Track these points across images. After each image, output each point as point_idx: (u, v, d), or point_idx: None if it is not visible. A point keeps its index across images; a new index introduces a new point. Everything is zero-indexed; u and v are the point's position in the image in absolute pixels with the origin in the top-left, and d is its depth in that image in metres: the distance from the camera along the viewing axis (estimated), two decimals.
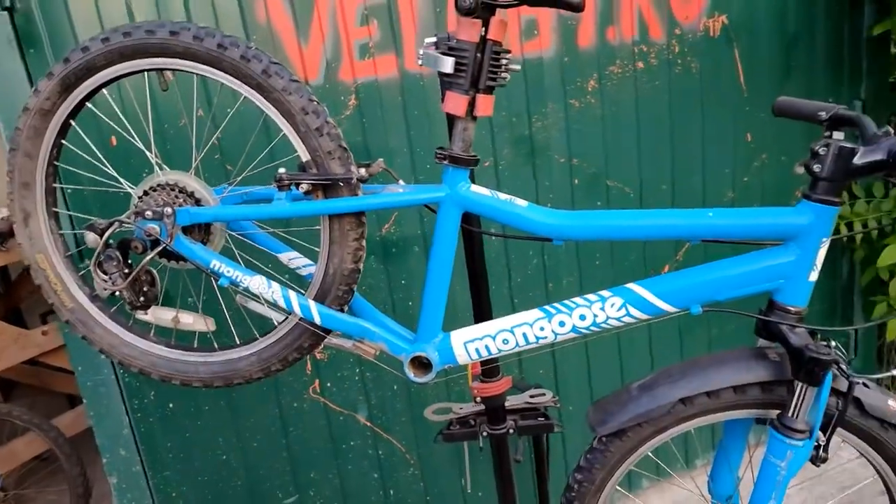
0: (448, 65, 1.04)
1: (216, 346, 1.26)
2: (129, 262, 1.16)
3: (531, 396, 1.65)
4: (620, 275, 2.36)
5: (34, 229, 1.23)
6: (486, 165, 2.13)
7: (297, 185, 1.09)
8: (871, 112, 2.57)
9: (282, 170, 1.10)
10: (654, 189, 2.36)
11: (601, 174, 2.30)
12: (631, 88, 2.26)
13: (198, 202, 1.15)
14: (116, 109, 1.32)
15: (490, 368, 1.55)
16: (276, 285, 1.15)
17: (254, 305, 1.23)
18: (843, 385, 1.08)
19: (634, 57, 2.24)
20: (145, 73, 1.14)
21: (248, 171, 1.29)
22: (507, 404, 1.60)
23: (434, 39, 1.20)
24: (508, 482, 1.64)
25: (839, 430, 1.10)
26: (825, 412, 1.07)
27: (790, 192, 2.54)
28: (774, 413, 1.11)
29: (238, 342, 1.25)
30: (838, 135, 1.07)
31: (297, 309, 1.14)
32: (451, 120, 1.16)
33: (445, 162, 1.11)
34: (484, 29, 1.05)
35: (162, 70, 1.13)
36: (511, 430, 1.59)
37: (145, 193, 1.16)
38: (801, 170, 1.18)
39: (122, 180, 1.21)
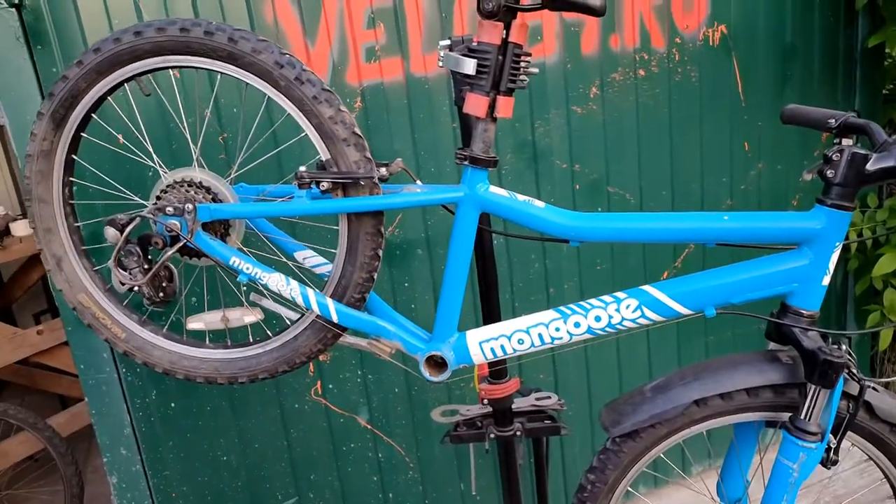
0: (470, 66, 1.05)
1: (229, 342, 1.26)
2: (149, 257, 1.16)
3: (537, 399, 1.66)
4: (621, 279, 2.38)
5: (69, 272, 1.23)
6: (490, 170, 2.14)
7: (318, 183, 1.10)
8: None
9: (303, 168, 1.11)
10: (654, 196, 2.39)
11: (602, 180, 2.32)
12: (632, 96, 2.29)
13: (216, 199, 1.15)
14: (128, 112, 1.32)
15: (498, 370, 1.55)
16: (294, 283, 1.15)
17: (267, 303, 1.23)
18: (853, 388, 1.09)
19: (636, 65, 2.27)
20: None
21: (251, 164, 1.28)
22: (514, 406, 1.61)
23: (448, 42, 1.22)
24: (515, 485, 1.65)
25: (849, 433, 1.12)
26: (836, 415, 1.09)
27: (787, 200, 2.58)
28: (786, 416, 1.13)
29: (251, 340, 1.25)
30: (847, 142, 1.10)
31: (315, 306, 1.15)
32: (465, 121, 1.17)
33: (466, 163, 1.12)
34: (506, 31, 1.06)
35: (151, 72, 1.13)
36: (518, 433, 1.60)
37: (164, 191, 1.16)
38: (809, 177, 1.20)
39: (155, 161, 1.20)
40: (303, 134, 1.12)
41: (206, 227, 1.15)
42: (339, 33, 1.92)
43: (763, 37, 2.40)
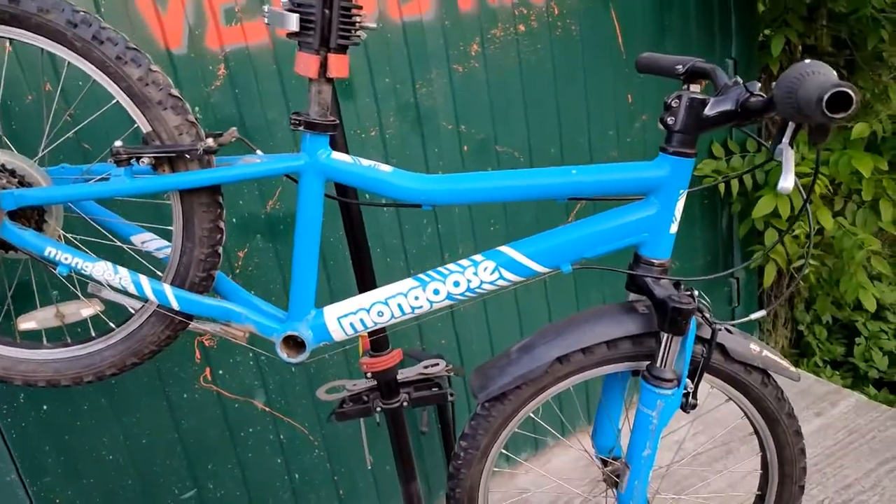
0: (293, 22, 0.98)
1: (69, 340, 1.16)
2: None
3: (425, 367, 1.63)
4: (515, 238, 2.36)
5: None
6: (372, 134, 2.07)
7: (138, 159, 1.00)
8: (742, 70, 2.68)
9: (118, 142, 1.00)
10: (542, 152, 2.38)
11: (490, 139, 2.29)
12: (514, 52, 2.25)
13: (24, 183, 1.04)
14: None
15: (378, 341, 1.51)
16: (123, 271, 1.06)
17: (108, 294, 1.13)
18: (706, 332, 1.11)
19: (515, 20, 2.22)
20: None
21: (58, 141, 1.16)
22: (399, 377, 1.58)
23: None
24: (407, 456, 1.62)
25: (707, 376, 1.14)
26: (691, 360, 1.10)
27: None
28: (646, 364, 1.14)
29: (94, 334, 1.15)
30: (695, 88, 1.09)
31: (150, 295, 1.06)
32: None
33: (301, 128, 1.04)
34: None
35: None
36: (405, 403, 1.57)
37: None
38: (661, 125, 1.19)
39: None
40: (114, 101, 1.01)
41: (14, 215, 1.03)
42: None
43: None
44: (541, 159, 2.38)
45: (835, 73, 0.83)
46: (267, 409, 2.14)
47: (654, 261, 1.08)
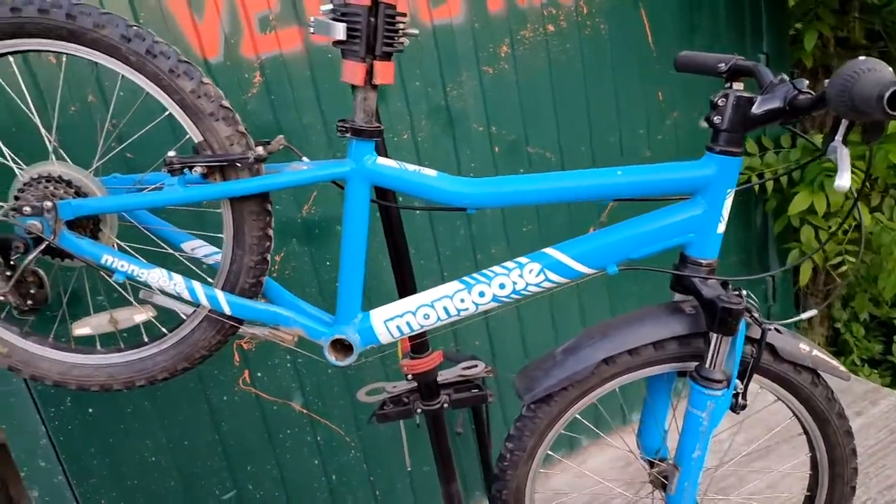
0: (340, 31, 0.99)
1: (122, 345, 1.19)
2: (13, 263, 1.07)
3: (464, 369, 1.63)
4: (549, 239, 2.35)
5: None
6: (404, 138, 2.08)
7: (191, 168, 1.02)
8: (773, 65, 2.65)
9: (171, 153, 1.03)
10: (573, 152, 2.38)
11: (521, 141, 2.29)
12: (543, 53, 2.25)
13: (80, 194, 1.06)
14: None
15: (419, 344, 1.52)
16: (178, 277, 1.08)
17: (158, 300, 1.16)
18: (756, 332, 1.10)
19: (544, 20, 2.22)
20: None
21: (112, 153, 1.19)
22: (439, 379, 1.59)
23: (329, 6, 1.15)
24: (447, 457, 1.63)
25: (756, 376, 1.13)
26: (741, 360, 1.10)
27: (702, 147, 2.60)
28: (693, 365, 1.13)
29: (146, 339, 1.18)
30: (738, 86, 1.08)
31: (203, 300, 1.08)
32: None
33: (348, 135, 1.06)
34: None
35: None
36: (445, 405, 1.57)
37: (22, 189, 1.06)
38: (706, 124, 1.19)
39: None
40: (167, 113, 1.04)
41: (72, 224, 1.06)
42: (228, 4, 1.81)
43: None
44: (572, 159, 2.38)
45: (890, 69, 0.82)
46: (304, 410, 2.16)
47: (702, 261, 1.08)
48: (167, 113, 1.04)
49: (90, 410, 1.91)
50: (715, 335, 1.06)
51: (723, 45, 2.50)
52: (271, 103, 1.89)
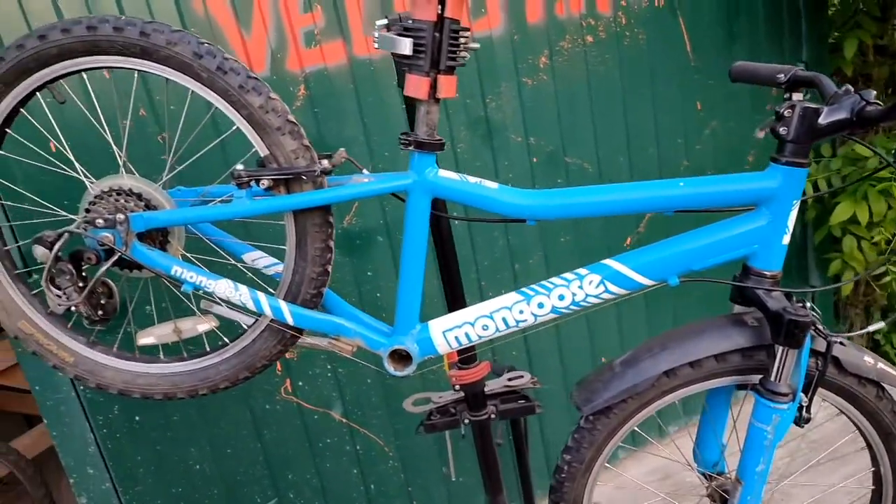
0: (406, 46, 1.00)
1: (185, 354, 1.21)
2: (84, 274, 1.09)
3: (509, 379, 1.63)
4: (585, 250, 2.37)
5: (4, 299, 1.16)
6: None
7: (258, 181, 1.04)
8: None
9: (239, 166, 1.05)
10: (611, 163, 2.37)
11: (559, 151, 2.29)
12: (582, 63, 2.26)
13: (150, 206, 1.09)
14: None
15: (468, 355, 1.52)
16: (243, 288, 1.10)
17: (219, 310, 1.18)
18: (821, 345, 1.09)
19: (583, 31, 2.23)
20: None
21: (182, 166, 1.21)
22: (486, 389, 1.59)
23: (385, 21, 1.16)
24: (494, 467, 1.63)
25: (819, 389, 1.11)
26: (806, 373, 1.08)
27: (742, 157, 2.59)
28: (755, 378, 1.12)
29: (208, 349, 1.19)
30: (797, 96, 1.07)
31: (268, 310, 1.10)
32: (411, 104, 1.12)
33: (411, 148, 1.07)
34: (441, 6, 1.01)
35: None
36: (492, 416, 1.57)
37: (93, 202, 1.09)
38: (761, 134, 1.18)
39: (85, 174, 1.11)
40: (235, 128, 1.06)
41: (142, 236, 1.08)
42: (274, 19, 1.84)
43: None
44: (609, 170, 2.38)
45: None
46: (344, 420, 2.17)
47: (766, 272, 1.07)
48: (234, 128, 1.06)
49: (137, 418, 1.93)
50: (781, 348, 1.05)
51: (762, 53, 2.49)
52: (315, 116, 1.92)
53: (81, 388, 1.83)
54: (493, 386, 1.62)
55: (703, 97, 2.45)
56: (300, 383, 2.09)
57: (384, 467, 2.27)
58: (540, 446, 2.46)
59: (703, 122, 2.48)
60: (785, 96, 1.09)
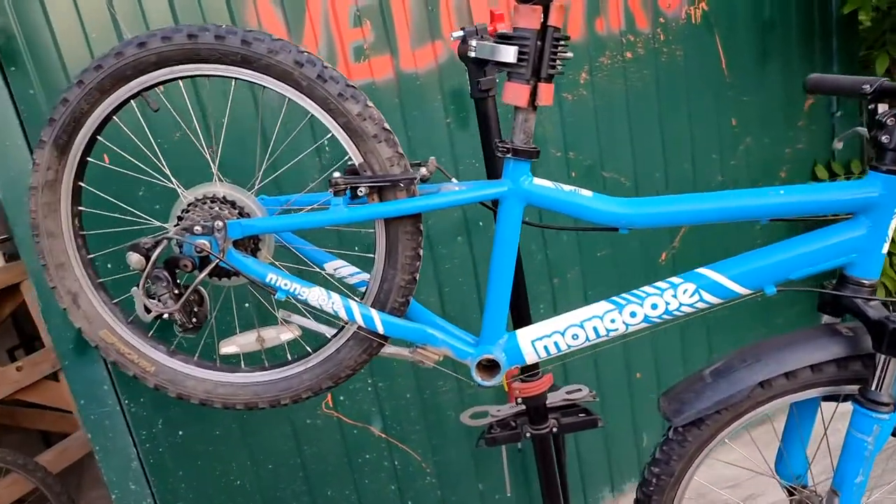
0: (511, 54, 1.00)
1: (266, 363, 1.19)
2: (178, 281, 1.07)
3: (568, 393, 1.62)
4: (622, 264, 2.37)
5: (87, 308, 1.15)
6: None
7: (355, 189, 1.03)
8: None
9: (337, 174, 1.04)
10: (647, 177, 2.38)
11: (597, 166, 2.30)
12: (621, 78, 2.27)
13: (243, 214, 1.08)
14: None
15: (531, 366, 1.51)
16: (336, 296, 1.08)
17: (298, 319, 1.16)
18: None
19: (623, 47, 2.25)
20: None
21: (274, 174, 1.21)
22: (546, 402, 1.57)
23: (461, 33, 1.17)
24: (554, 482, 1.61)
25: None
26: None
27: (775, 173, 2.61)
28: (847, 389, 1.12)
29: (290, 358, 1.18)
30: (882, 107, 1.08)
31: (359, 318, 1.08)
32: (482, 111, 1.10)
33: (508, 155, 1.07)
34: (544, 15, 1.01)
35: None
36: (554, 429, 1.56)
37: (185, 210, 1.08)
38: (839, 145, 1.19)
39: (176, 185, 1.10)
40: (329, 135, 1.05)
41: (236, 244, 1.07)
42: (325, 33, 1.84)
43: (742, 12, 2.42)
44: (646, 184, 2.38)
45: None
46: (383, 435, 2.15)
47: (865, 281, 1.07)
48: (329, 135, 1.06)
49: (180, 433, 1.90)
50: (882, 357, 1.05)
51: (794, 70, 2.51)
52: None
53: (126, 401, 1.80)
54: (552, 399, 1.61)
55: (738, 113, 2.47)
56: (341, 398, 2.07)
57: (421, 483, 2.24)
58: (574, 458, 2.44)
59: (738, 137, 2.50)
60: (870, 107, 1.09)
